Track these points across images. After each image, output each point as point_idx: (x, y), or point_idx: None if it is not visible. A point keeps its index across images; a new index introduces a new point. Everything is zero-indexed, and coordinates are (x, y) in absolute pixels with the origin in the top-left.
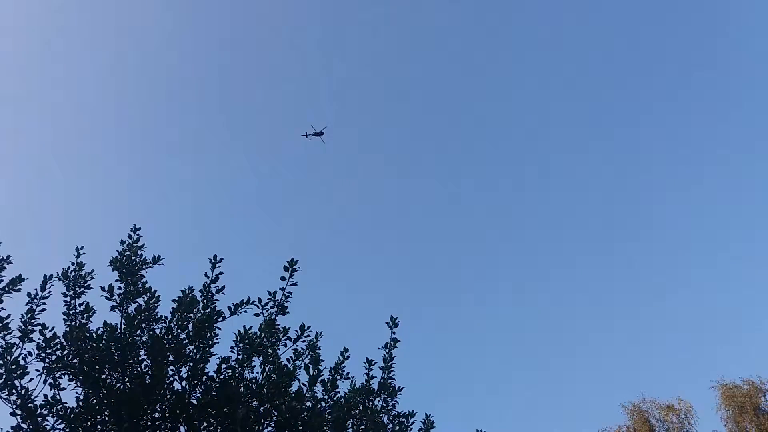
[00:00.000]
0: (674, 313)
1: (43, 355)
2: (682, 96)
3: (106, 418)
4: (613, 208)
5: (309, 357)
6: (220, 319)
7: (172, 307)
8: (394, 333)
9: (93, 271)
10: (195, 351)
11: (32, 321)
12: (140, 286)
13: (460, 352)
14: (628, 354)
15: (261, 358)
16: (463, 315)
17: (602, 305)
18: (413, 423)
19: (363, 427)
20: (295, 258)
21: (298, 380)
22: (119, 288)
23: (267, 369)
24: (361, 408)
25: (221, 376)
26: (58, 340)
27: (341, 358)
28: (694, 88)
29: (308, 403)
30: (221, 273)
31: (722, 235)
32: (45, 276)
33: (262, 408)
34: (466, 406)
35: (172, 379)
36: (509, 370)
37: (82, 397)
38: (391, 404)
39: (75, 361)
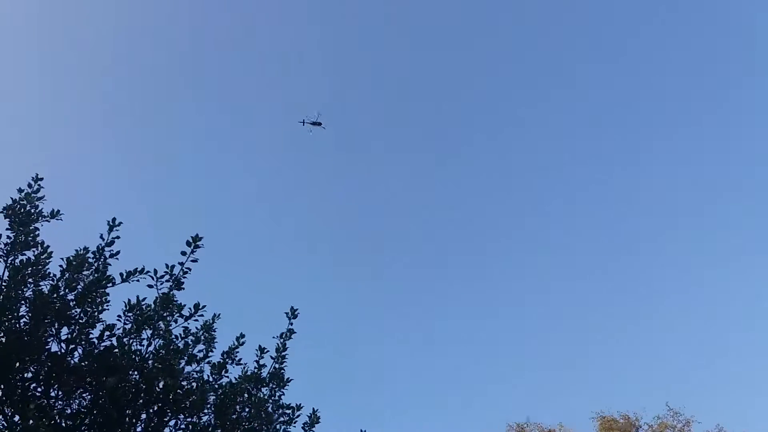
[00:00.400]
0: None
1: None
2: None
3: None
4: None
5: (203, 338)
6: (110, 284)
7: (61, 266)
8: (291, 324)
9: None
10: (81, 314)
11: None
12: (31, 238)
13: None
14: (528, 376)
15: (150, 331)
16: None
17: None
18: (299, 416)
19: (246, 414)
20: (200, 234)
21: (187, 359)
22: (8, 237)
23: (155, 343)
24: (246, 395)
25: (103, 343)
26: None
27: (236, 343)
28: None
29: (193, 384)
30: (118, 237)
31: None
32: None
33: (143, 382)
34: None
35: (51, 340)
36: (403, 372)
37: None
38: (278, 395)
39: None
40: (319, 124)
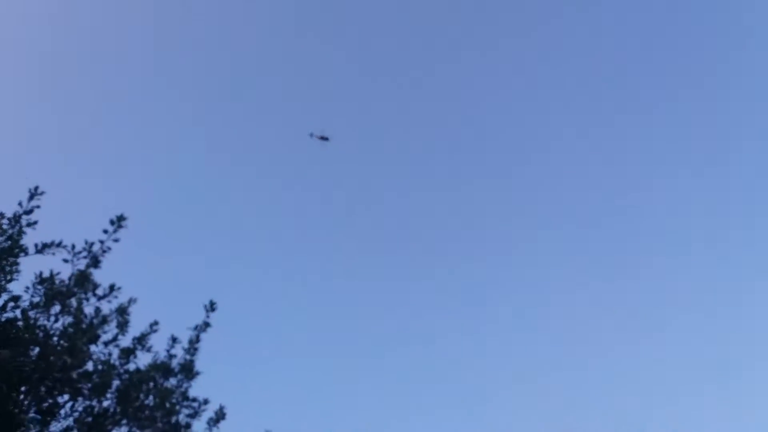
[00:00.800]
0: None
1: None
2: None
3: None
4: None
5: (116, 321)
6: (23, 254)
7: None
8: (208, 317)
9: None
10: None
11: None
12: None
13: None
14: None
15: (60, 308)
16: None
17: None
18: (204, 411)
19: (150, 402)
20: (125, 215)
21: (92, 339)
22: None
23: (64, 320)
24: (153, 384)
25: (6, 314)
26: None
27: (149, 330)
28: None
29: (99, 366)
30: (38, 206)
31: None
32: None
33: (43, 358)
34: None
35: None
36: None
37: None
38: (185, 386)
39: None
40: (327, 138)
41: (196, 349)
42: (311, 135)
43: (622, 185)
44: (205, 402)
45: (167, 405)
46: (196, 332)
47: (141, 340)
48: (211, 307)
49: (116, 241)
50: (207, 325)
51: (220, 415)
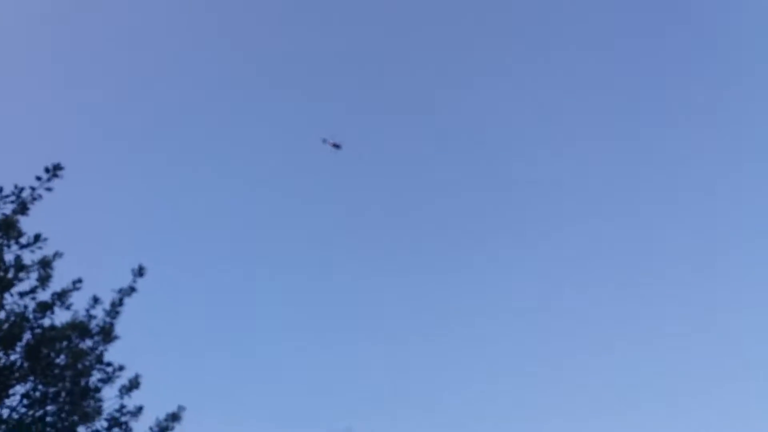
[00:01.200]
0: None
1: None
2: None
3: None
4: None
5: (37, 273)
6: None
7: None
8: (135, 281)
9: None
10: None
11: None
12: None
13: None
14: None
15: None
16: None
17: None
18: (118, 377)
19: (61, 361)
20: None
21: (9, 288)
22: None
23: None
24: (66, 343)
25: None
26: None
27: (72, 287)
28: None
29: (12, 318)
30: None
31: None
32: None
33: None
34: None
35: None
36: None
37: None
38: (101, 349)
39: None
40: (339, 146)
41: (117, 313)
42: (324, 141)
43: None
44: (120, 368)
45: (79, 366)
46: (120, 295)
47: (61, 296)
48: (140, 272)
49: (49, 190)
50: (132, 289)
51: (134, 384)
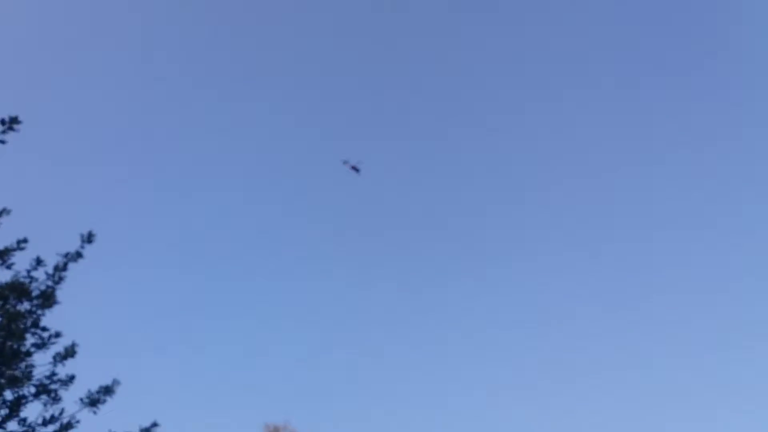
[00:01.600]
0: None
1: None
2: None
3: None
4: None
5: None
6: None
7: None
8: (83, 247)
9: None
10: None
11: None
12: None
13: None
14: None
15: None
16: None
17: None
18: (54, 343)
19: None
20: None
21: None
22: None
23: None
24: (2, 303)
25: None
26: None
27: (15, 246)
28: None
29: None
30: None
31: None
32: None
33: None
34: None
35: None
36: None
37: None
38: (39, 314)
39: None
40: (358, 170)
41: (61, 278)
42: (344, 162)
43: None
44: (57, 335)
45: (13, 327)
46: (65, 260)
47: (2, 255)
48: (88, 238)
49: (2, 142)
50: (79, 255)
51: (69, 352)
